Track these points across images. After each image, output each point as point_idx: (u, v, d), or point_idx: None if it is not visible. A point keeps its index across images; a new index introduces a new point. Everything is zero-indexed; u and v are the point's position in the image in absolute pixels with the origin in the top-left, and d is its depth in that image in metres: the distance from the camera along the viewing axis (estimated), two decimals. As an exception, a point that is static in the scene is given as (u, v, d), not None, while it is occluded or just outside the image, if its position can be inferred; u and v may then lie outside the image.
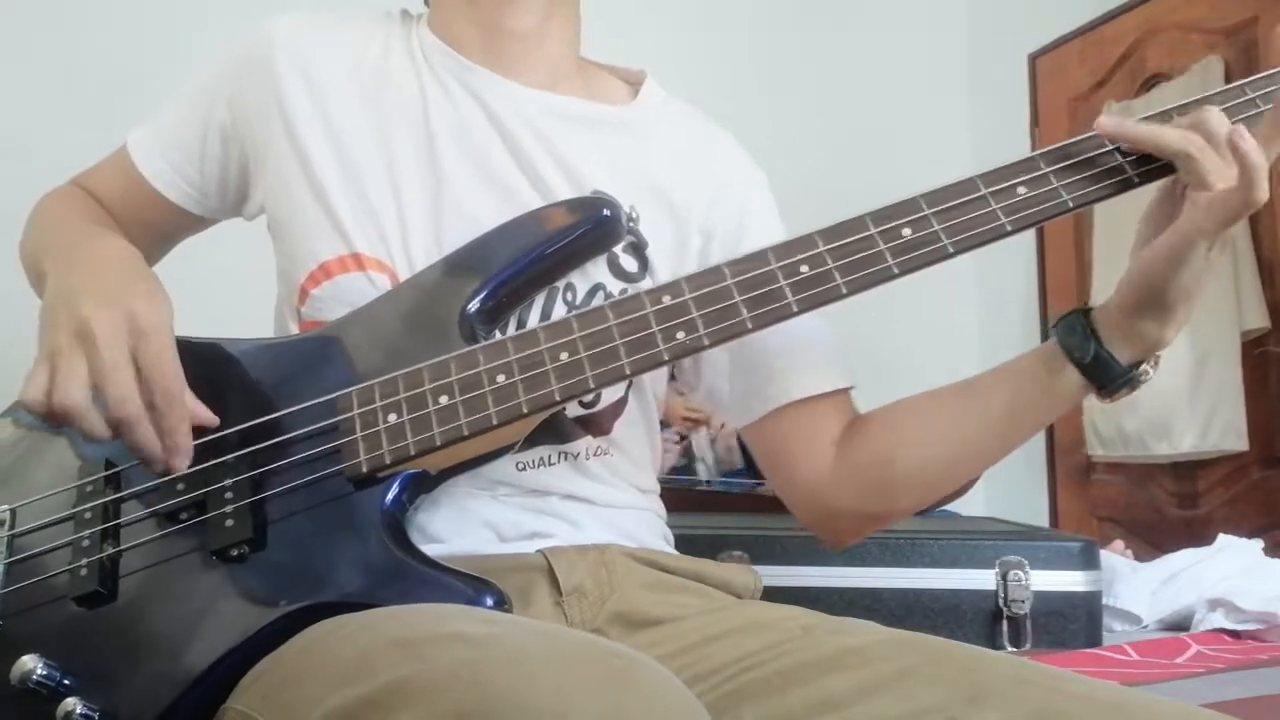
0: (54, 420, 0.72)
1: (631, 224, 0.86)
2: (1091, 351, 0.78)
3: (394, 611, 0.63)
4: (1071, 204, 0.76)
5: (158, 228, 0.96)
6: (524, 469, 0.82)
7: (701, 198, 0.91)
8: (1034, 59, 3.38)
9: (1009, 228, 0.75)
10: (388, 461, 0.72)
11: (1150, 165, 0.76)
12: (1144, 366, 0.79)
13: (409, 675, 0.53)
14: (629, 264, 0.86)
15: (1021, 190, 0.76)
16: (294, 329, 0.86)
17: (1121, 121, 0.76)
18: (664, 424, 2.85)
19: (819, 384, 0.90)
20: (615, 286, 0.85)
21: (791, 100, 3.23)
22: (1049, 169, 0.76)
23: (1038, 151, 0.77)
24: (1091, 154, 0.77)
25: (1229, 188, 0.72)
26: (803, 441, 0.91)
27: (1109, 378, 0.78)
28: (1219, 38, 2.78)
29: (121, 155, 0.95)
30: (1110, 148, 0.76)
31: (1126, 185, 0.76)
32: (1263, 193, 0.72)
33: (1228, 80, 2.71)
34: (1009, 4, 3.52)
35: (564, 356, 0.74)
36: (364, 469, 0.72)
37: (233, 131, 0.90)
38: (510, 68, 0.88)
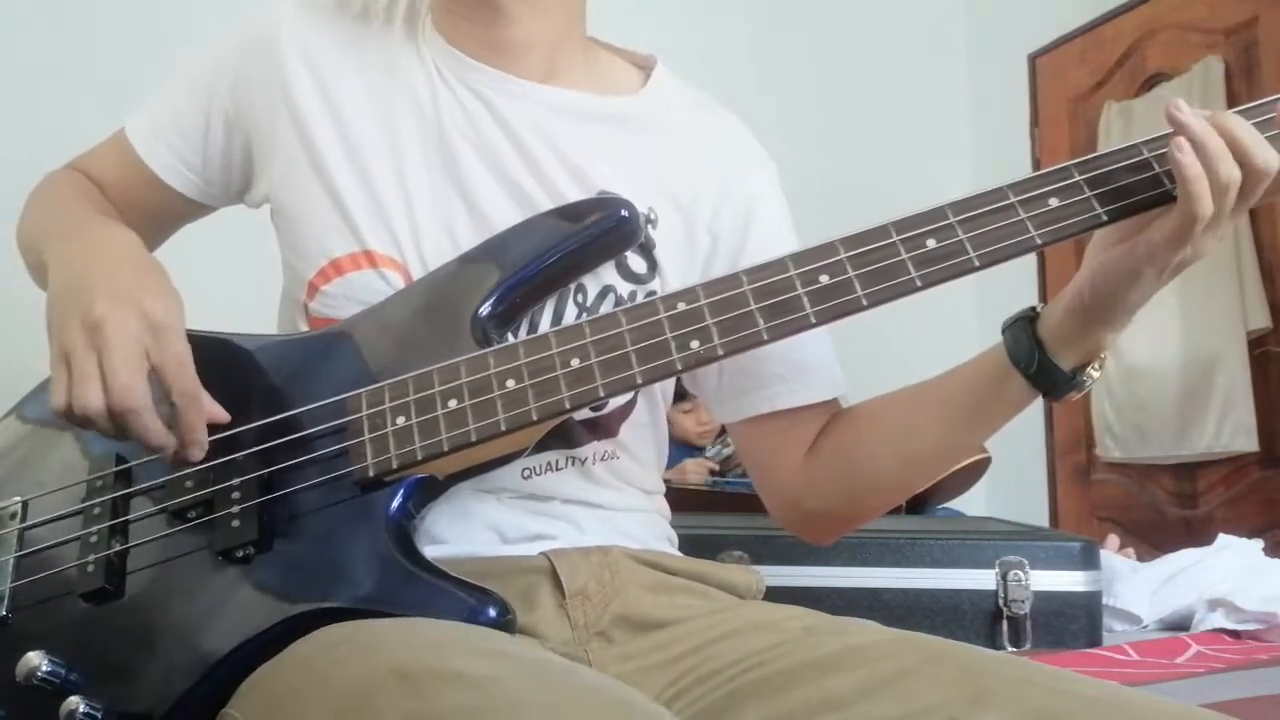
0: (79, 425, 0.73)
1: (649, 225, 0.85)
2: (1036, 361, 0.78)
3: (395, 630, 0.63)
4: (1106, 217, 0.71)
5: (157, 214, 0.94)
6: (530, 476, 0.81)
7: (709, 198, 0.90)
8: (1034, 59, 3.38)
9: (1039, 240, 0.71)
10: (395, 466, 0.72)
11: None
12: (1088, 370, 0.78)
13: (408, 716, 0.53)
14: (637, 265, 0.85)
15: (1053, 201, 0.72)
16: (301, 325, 0.85)
17: (1190, 118, 0.69)
18: (682, 443, 2.85)
19: (805, 394, 0.89)
20: (625, 289, 0.84)
21: (792, 100, 3.23)
22: (1082, 178, 0.72)
23: (1072, 161, 0.73)
24: (1126, 164, 0.72)
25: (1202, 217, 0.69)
26: (782, 447, 0.92)
27: (1053, 384, 0.78)
28: (1219, 38, 2.78)
29: (120, 139, 0.93)
30: (1147, 156, 0.72)
31: (1165, 198, 0.71)
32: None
33: (1228, 80, 2.72)
34: (1009, 4, 3.52)
35: (575, 363, 0.72)
36: (370, 473, 0.72)
37: (236, 118, 0.89)
38: (511, 66, 0.87)
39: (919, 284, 0.71)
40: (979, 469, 2.52)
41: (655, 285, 0.85)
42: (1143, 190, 0.72)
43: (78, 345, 0.72)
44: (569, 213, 0.81)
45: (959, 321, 2.80)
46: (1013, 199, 0.72)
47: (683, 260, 0.88)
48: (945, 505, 2.53)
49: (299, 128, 0.85)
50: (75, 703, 0.68)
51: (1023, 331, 0.79)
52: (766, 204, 0.93)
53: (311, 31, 0.88)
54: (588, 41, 0.93)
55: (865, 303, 0.72)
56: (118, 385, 0.70)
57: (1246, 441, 2.65)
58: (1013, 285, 3.06)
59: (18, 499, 0.78)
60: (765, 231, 0.91)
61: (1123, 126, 2.97)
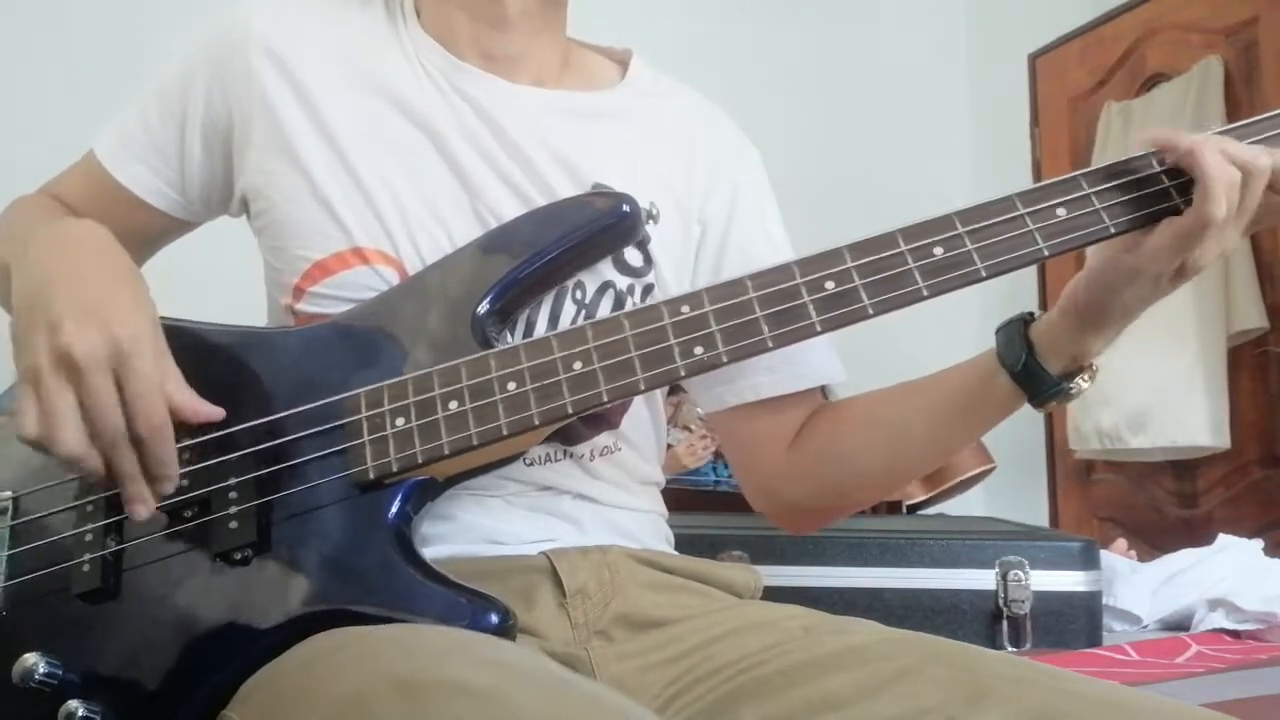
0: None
1: (651, 220, 0.85)
2: (1022, 361, 0.78)
3: (396, 637, 0.62)
4: (1114, 229, 0.71)
5: (134, 235, 0.86)
6: (532, 464, 0.81)
7: (698, 186, 0.90)
8: (1034, 59, 3.38)
9: (1046, 252, 0.71)
10: (395, 469, 0.71)
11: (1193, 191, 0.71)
12: (1078, 379, 0.78)
13: None
14: (633, 258, 0.85)
15: (1061, 212, 0.72)
16: (289, 323, 0.83)
17: (1174, 133, 0.71)
18: (678, 425, 2.83)
19: (790, 384, 0.89)
20: (623, 283, 0.84)
21: (792, 100, 3.23)
22: (1091, 190, 0.72)
23: (1080, 171, 0.73)
24: (1136, 176, 0.73)
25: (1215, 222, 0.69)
26: (765, 437, 0.91)
27: (1039, 388, 0.78)
28: (1219, 38, 2.78)
29: (89, 162, 0.90)
30: (1157, 170, 0.72)
31: (1172, 211, 0.71)
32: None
33: (1227, 81, 2.72)
34: (1009, 4, 3.53)
35: (578, 366, 0.72)
36: (370, 475, 0.72)
37: (212, 125, 0.85)
38: (500, 72, 0.86)
39: (925, 293, 0.71)
40: (983, 478, 2.53)
41: (651, 278, 0.85)
42: (1151, 203, 0.72)
43: (45, 374, 0.68)
44: (570, 206, 0.81)
45: (962, 323, 2.80)
46: (1021, 210, 0.72)
47: (678, 253, 0.88)
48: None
49: (275, 126, 0.83)
50: (74, 706, 0.67)
51: (1015, 333, 0.79)
52: (750, 189, 0.93)
53: (281, 27, 0.85)
54: (567, 43, 0.93)
55: (871, 311, 0.72)
56: (103, 427, 0.68)
57: (1215, 437, 2.66)
58: (1015, 289, 3.06)
59: (8, 494, 0.77)
60: (749, 217, 0.92)
61: (1123, 126, 2.97)
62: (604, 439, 0.84)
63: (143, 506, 0.70)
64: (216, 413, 0.74)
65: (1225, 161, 0.69)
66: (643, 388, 0.72)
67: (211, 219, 0.93)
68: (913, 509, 2.46)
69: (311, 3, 0.88)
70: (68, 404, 0.68)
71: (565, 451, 0.82)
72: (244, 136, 0.84)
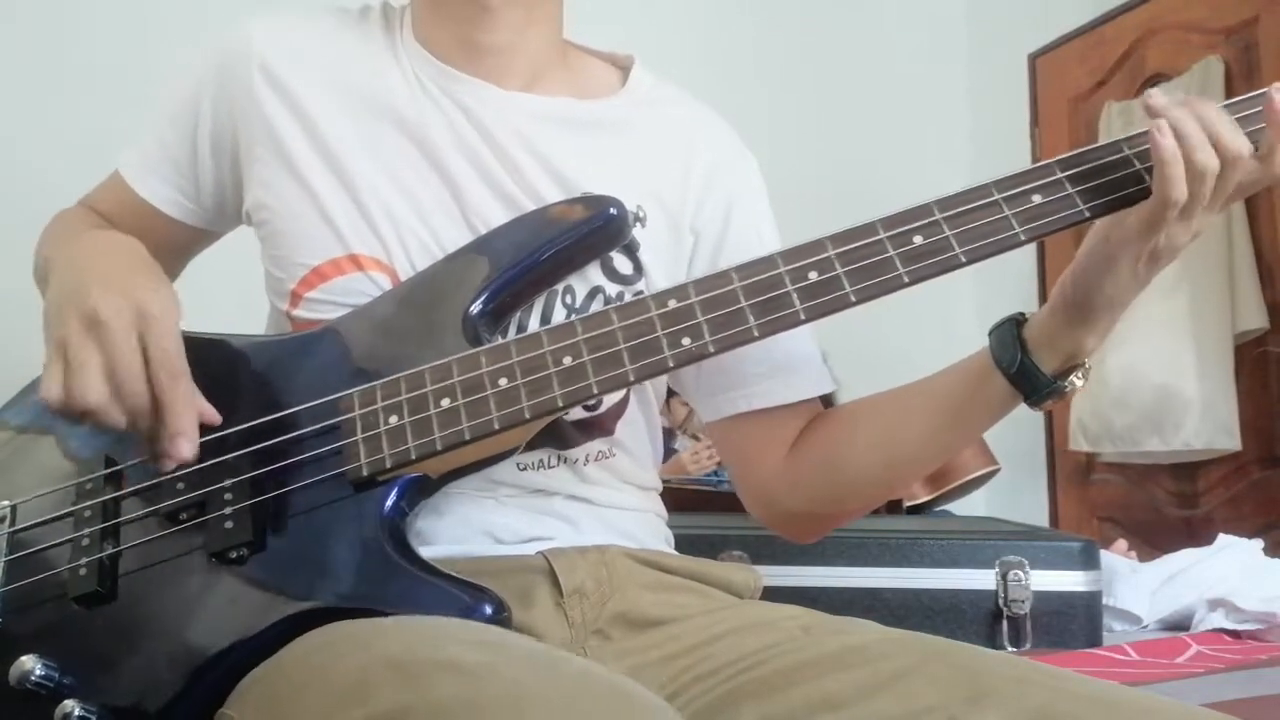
0: (74, 418, 0.72)
1: (639, 223, 0.85)
2: (1018, 362, 0.78)
3: (391, 626, 0.63)
4: (1088, 213, 0.73)
5: (166, 246, 0.91)
6: (525, 469, 0.81)
7: (692, 196, 0.90)
8: (1034, 59, 3.38)
9: (1023, 237, 0.73)
10: (388, 465, 0.72)
11: None
12: (1071, 378, 0.78)
13: (404, 706, 0.53)
14: (623, 266, 0.85)
15: (1036, 198, 0.73)
16: (287, 329, 0.85)
17: (1169, 105, 0.72)
18: (688, 433, 2.83)
19: (786, 394, 0.90)
20: (613, 290, 0.84)
21: (792, 100, 3.23)
22: (1064, 175, 0.74)
23: (1055, 159, 0.74)
24: (1107, 160, 0.74)
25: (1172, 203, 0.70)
26: (761, 446, 0.92)
27: (1034, 387, 0.78)
28: (1219, 38, 2.78)
29: (116, 180, 0.94)
30: (1128, 153, 0.74)
31: (1145, 194, 0.73)
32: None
33: (1227, 81, 2.72)
34: (1009, 4, 3.53)
35: (567, 360, 0.73)
36: (364, 472, 0.72)
37: (220, 139, 0.88)
38: (491, 74, 0.87)
39: (906, 280, 0.73)
40: (987, 479, 2.53)
41: (641, 286, 0.85)
42: (1124, 186, 0.73)
43: (73, 337, 0.71)
44: (558, 210, 0.81)
45: (959, 321, 2.80)
46: (997, 196, 0.74)
47: (668, 260, 0.88)
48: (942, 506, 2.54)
49: (275, 142, 0.85)
50: (70, 706, 0.67)
51: (1008, 334, 0.80)
52: (745, 198, 0.94)
53: (280, 46, 0.87)
54: (564, 44, 0.93)
55: (854, 299, 0.73)
56: (126, 377, 0.70)
57: (1228, 440, 2.65)
58: (1010, 286, 3.07)
59: (6, 503, 0.78)
60: (744, 226, 0.92)
61: (1123, 126, 2.97)
62: (598, 444, 0.85)
63: (169, 460, 0.72)
64: (213, 416, 0.75)
65: (1178, 142, 0.70)
66: (632, 379, 0.73)
67: (231, 228, 0.96)
68: (915, 510, 2.46)
69: (311, 19, 0.90)
70: (93, 361, 0.71)
71: (559, 457, 0.83)
72: (248, 151, 0.86)
